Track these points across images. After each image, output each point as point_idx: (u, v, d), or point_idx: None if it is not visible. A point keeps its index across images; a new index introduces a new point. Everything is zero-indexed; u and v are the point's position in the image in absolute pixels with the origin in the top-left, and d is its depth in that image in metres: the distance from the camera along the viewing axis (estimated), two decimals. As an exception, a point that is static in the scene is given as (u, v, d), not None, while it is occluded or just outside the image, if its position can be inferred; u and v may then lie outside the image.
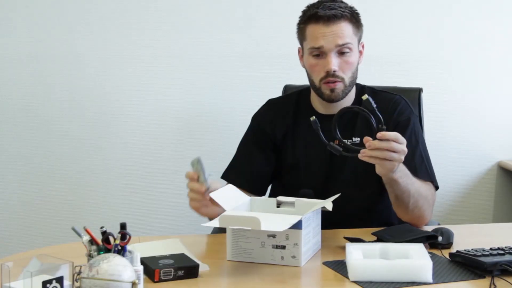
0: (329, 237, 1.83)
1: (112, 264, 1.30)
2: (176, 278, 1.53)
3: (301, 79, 2.29)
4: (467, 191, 3.06)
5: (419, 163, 1.99)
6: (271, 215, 1.73)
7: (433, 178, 2.01)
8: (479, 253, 1.59)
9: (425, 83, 2.55)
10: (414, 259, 1.54)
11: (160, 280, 1.52)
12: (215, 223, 1.62)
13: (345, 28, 1.95)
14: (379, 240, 1.75)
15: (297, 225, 1.61)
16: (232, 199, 1.78)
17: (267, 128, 2.11)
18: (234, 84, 2.90)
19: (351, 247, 1.61)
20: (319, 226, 1.77)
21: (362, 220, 2.01)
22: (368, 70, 2.85)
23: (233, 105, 2.89)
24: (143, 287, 1.44)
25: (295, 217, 1.61)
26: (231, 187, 1.85)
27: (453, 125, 3.01)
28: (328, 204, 1.73)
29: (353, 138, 2.03)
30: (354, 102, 2.07)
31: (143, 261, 1.50)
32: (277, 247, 1.64)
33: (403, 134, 1.99)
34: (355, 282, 1.51)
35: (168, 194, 2.94)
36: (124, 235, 1.43)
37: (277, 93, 2.45)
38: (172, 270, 1.53)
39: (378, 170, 1.77)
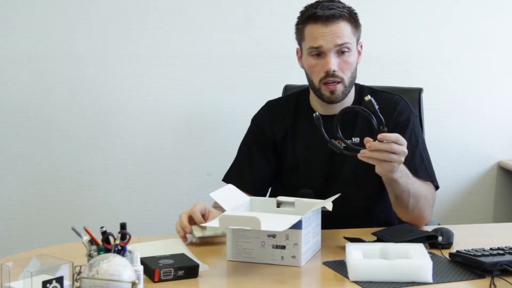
0: (329, 237, 1.83)
1: (112, 264, 1.30)
2: (176, 278, 1.53)
3: (301, 79, 2.29)
4: (467, 191, 3.06)
5: (419, 163, 1.99)
6: (271, 215, 1.73)
7: (433, 178, 2.01)
8: (479, 253, 1.59)
9: (425, 83, 2.55)
10: (414, 259, 1.54)
11: (160, 280, 1.52)
12: (215, 223, 1.62)
13: (344, 28, 1.95)
14: (379, 240, 1.75)
15: (297, 225, 1.61)
16: (232, 199, 1.78)
17: (267, 129, 2.11)
18: (234, 84, 2.90)
19: (351, 247, 1.61)
20: (319, 226, 1.77)
21: (362, 220, 2.01)
22: (368, 70, 2.85)
23: (233, 105, 2.90)
24: (143, 287, 1.44)
25: (295, 217, 1.61)
26: (231, 187, 1.85)
27: (453, 125, 3.01)
28: (328, 204, 1.73)
29: (353, 138, 2.03)
30: (354, 102, 2.07)
31: (143, 261, 1.50)
32: (277, 247, 1.64)
33: (403, 134, 1.98)
34: (355, 282, 1.51)
35: (168, 194, 2.94)
36: (124, 235, 1.43)
37: (277, 93, 2.45)
38: (172, 270, 1.53)
39: (378, 170, 1.77)
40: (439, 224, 2.07)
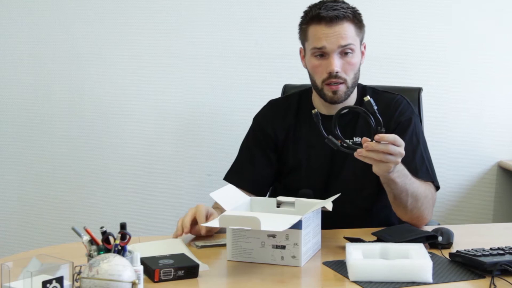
0: (329, 237, 1.83)
1: (112, 264, 1.30)
2: (176, 278, 1.53)
3: (301, 79, 2.29)
4: (467, 191, 3.06)
5: (419, 163, 1.99)
6: (271, 215, 1.73)
7: (434, 178, 2.01)
8: (479, 253, 1.59)
9: (425, 83, 2.55)
10: (414, 259, 1.54)
11: (160, 280, 1.52)
12: (215, 223, 1.61)
13: (347, 29, 1.95)
14: (379, 240, 1.75)
15: (297, 225, 1.61)
16: (232, 199, 1.78)
17: (269, 129, 2.11)
18: (234, 84, 2.90)
19: (351, 247, 1.61)
20: (319, 226, 1.77)
21: (362, 220, 2.01)
22: (368, 70, 2.84)
23: (233, 105, 2.90)
24: (143, 287, 1.44)
25: (295, 217, 1.61)
26: (231, 187, 1.85)
27: (453, 125, 3.02)
28: (328, 204, 1.74)
29: (354, 138, 2.03)
30: (356, 103, 2.07)
31: (143, 261, 1.50)
32: (277, 247, 1.64)
33: (404, 134, 1.99)
34: (355, 282, 1.51)
35: (168, 194, 2.94)
36: (124, 235, 1.43)
37: (277, 93, 2.45)
38: (172, 270, 1.53)
39: (375, 169, 1.77)
40: (439, 224, 2.07)
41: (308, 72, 2.04)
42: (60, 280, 1.33)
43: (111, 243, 1.42)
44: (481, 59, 3.00)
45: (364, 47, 2.05)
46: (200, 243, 1.79)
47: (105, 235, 1.43)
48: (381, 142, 1.68)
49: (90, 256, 1.43)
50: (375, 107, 1.70)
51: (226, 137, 2.89)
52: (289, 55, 2.65)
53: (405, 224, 1.90)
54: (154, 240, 1.82)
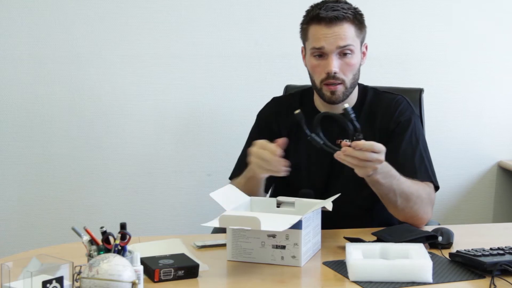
0: (329, 237, 1.83)
1: (112, 264, 1.30)
2: (176, 278, 1.53)
3: (301, 79, 2.29)
4: (467, 191, 3.06)
5: (418, 164, 1.99)
6: (271, 215, 1.73)
7: (433, 178, 2.01)
8: (479, 253, 1.59)
9: (426, 83, 2.55)
10: (414, 259, 1.54)
11: (160, 280, 1.52)
12: (215, 223, 1.61)
13: (347, 30, 1.95)
14: (379, 240, 1.75)
15: (297, 225, 1.61)
16: (232, 199, 1.78)
17: (273, 124, 2.11)
18: (234, 84, 2.90)
19: (351, 247, 1.61)
20: (319, 226, 1.77)
21: (362, 220, 2.01)
22: (369, 70, 2.84)
23: (233, 105, 2.90)
24: (143, 287, 1.44)
25: (295, 217, 1.61)
26: (231, 187, 1.85)
27: (453, 125, 3.02)
28: (328, 204, 1.74)
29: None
30: (357, 103, 2.07)
31: (143, 261, 1.50)
32: (277, 247, 1.64)
33: (403, 134, 2.00)
34: (355, 282, 1.51)
35: (168, 194, 2.94)
36: (124, 235, 1.43)
37: (278, 93, 2.44)
38: (172, 270, 1.53)
39: (356, 171, 1.77)
40: (439, 224, 2.07)
41: (308, 71, 2.05)
42: (60, 280, 1.33)
43: (111, 243, 1.42)
44: (481, 59, 3.00)
45: (366, 48, 2.05)
46: (200, 243, 1.79)
47: (105, 235, 1.43)
48: (358, 149, 1.69)
49: (90, 256, 1.43)
50: (353, 115, 1.71)
51: (226, 137, 2.89)
52: (289, 55, 2.65)
53: (405, 224, 1.89)
54: (154, 240, 1.82)
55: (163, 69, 2.88)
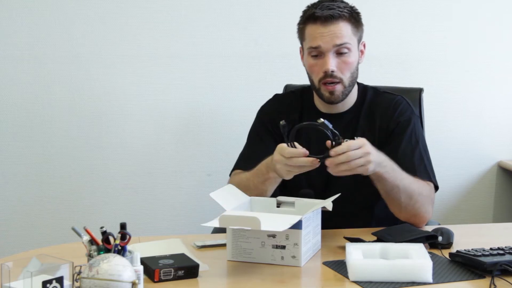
0: (329, 237, 1.83)
1: (112, 264, 1.30)
2: (176, 278, 1.53)
3: (301, 79, 2.29)
4: (467, 191, 3.06)
5: (418, 163, 1.99)
6: (271, 215, 1.73)
7: (433, 178, 2.01)
8: (479, 253, 1.59)
9: (426, 83, 2.55)
10: (414, 259, 1.54)
11: (160, 280, 1.52)
12: (215, 223, 1.61)
13: (343, 28, 1.95)
14: (379, 240, 1.75)
15: (297, 225, 1.61)
16: (232, 199, 1.78)
17: (276, 120, 2.10)
18: (234, 84, 2.90)
19: (351, 247, 1.61)
20: (319, 226, 1.77)
21: (362, 220, 2.01)
22: (369, 70, 2.85)
23: (233, 105, 2.90)
24: (143, 287, 1.44)
25: (295, 217, 1.61)
26: (231, 187, 1.85)
27: (453, 125, 3.02)
28: (328, 204, 1.74)
29: (355, 138, 2.03)
30: (357, 102, 2.07)
31: (143, 261, 1.50)
32: (277, 247, 1.64)
33: (403, 134, 2.00)
34: (355, 282, 1.51)
35: (168, 194, 2.94)
36: (124, 235, 1.43)
37: (277, 92, 2.44)
38: (172, 270, 1.53)
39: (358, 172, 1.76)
40: (439, 224, 2.07)
41: (306, 71, 2.05)
42: (60, 280, 1.33)
43: (111, 243, 1.43)
44: (481, 59, 3.00)
45: (364, 46, 2.05)
46: (200, 243, 1.79)
47: (105, 235, 1.43)
48: (340, 154, 1.69)
49: (90, 256, 1.43)
50: (330, 126, 1.71)
51: (226, 137, 2.89)
52: (289, 55, 2.65)
53: (405, 224, 1.89)
54: (154, 240, 1.82)
55: (163, 69, 2.88)
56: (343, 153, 1.69)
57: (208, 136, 2.92)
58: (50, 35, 2.83)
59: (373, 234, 1.79)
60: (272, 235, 1.64)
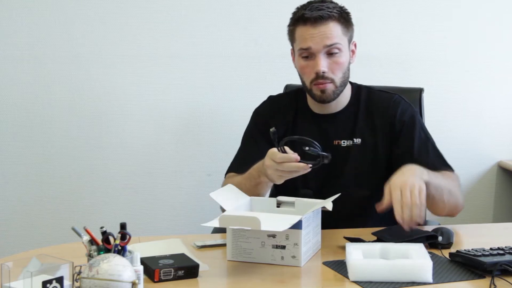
0: (329, 237, 1.83)
1: (112, 264, 1.30)
2: (176, 278, 1.53)
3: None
4: (467, 191, 3.06)
5: (435, 158, 2.01)
6: (271, 215, 1.73)
7: (450, 166, 2.03)
8: (479, 253, 1.59)
9: (426, 83, 2.54)
10: (414, 259, 1.54)
11: (160, 280, 1.52)
12: (215, 223, 1.61)
13: (333, 29, 1.95)
14: (379, 240, 1.75)
15: (297, 225, 1.61)
16: (232, 199, 1.78)
17: (271, 122, 2.10)
18: (234, 84, 2.90)
19: (351, 247, 1.61)
20: (319, 226, 1.77)
21: (362, 220, 2.01)
22: (369, 70, 2.86)
23: (233, 105, 2.90)
24: (143, 287, 1.44)
25: (295, 217, 1.61)
26: (231, 187, 1.85)
27: (453, 125, 3.02)
28: (328, 204, 1.73)
29: (354, 140, 2.03)
30: (351, 102, 2.07)
31: (143, 261, 1.50)
32: (277, 247, 1.64)
33: (412, 133, 2.01)
34: (355, 282, 1.51)
35: (168, 194, 2.94)
36: (124, 235, 1.43)
37: (277, 93, 2.44)
38: (172, 270, 1.53)
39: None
40: (439, 224, 2.07)
41: (298, 73, 2.05)
42: (60, 280, 1.33)
43: (111, 243, 1.43)
44: (481, 59, 3.00)
45: (355, 46, 2.05)
46: (200, 243, 1.79)
47: (105, 235, 1.43)
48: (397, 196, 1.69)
49: (90, 256, 1.43)
50: (319, 150, 1.72)
51: (226, 137, 2.89)
52: (289, 55, 2.63)
53: None
54: (154, 240, 1.82)
55: (163, 69, 2.88)
56: (400, 196, 1.69)
57: (208, 136, 2.92)
58: (50, 35, 2.83)
59: (373, 234, 1.80)
60: (272, 235, 1.64)
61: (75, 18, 2.83)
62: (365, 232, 1.85)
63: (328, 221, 1.82)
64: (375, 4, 2.92)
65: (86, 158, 2.90)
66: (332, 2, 2.00)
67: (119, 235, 1.43)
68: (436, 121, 2.93)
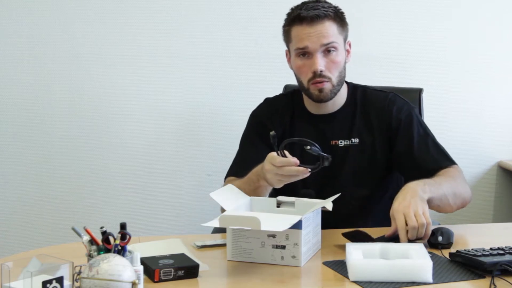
0: (329, 237, 1.83)
1: (112, 264, 1.30)
2: (176, 278, 1.53)
3: (301, 79, 2.29)
4: (467, 191, 3.06)
5: (436, 153, 2.00)
6: (271, 215, 1.73)
7: (452, 159, 2.02)
8: (479, 253, 1.59)
9: (426, 83, 2.55)
10: (414, 259, 1.54)
11: (160, 280, 1.52)
12: (215, 223, 1.61)
13: (329, 28, 1.95)
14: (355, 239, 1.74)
15: (297, 225, 1.61)
16: (232, 199, 1.78)
17: (268, 124, 2.10)
18: (234, 84, 2.90)
19: (351, 247, 1.61)
20: (319, 226, 1.77)
21: (362, 220, 2.01)
22: (369, 70, 2.86)
23: (233, 105, 2.90)
24: (143, 287, 1.44)
25: (295, 217, 1.61)
26: (231, 187, 1.85)
27: (453, 125, 3.01)
28: (328, 204, 1.73)
29: (352, 139, 2.03)
30: (347, 102, 2.07)
31: (143, 261, 1.50)
32: (277, 247, 1.64)
33: (410, 130, 2.00)
34: (355, 282, 1.51)
35: (168, 194, 2.94)
36: (124, 235, 1.43)
37: (277, 93, 2.44)
38: (172, 270, 1.53)
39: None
40: (439, 224, 2.07)
41: (294, 73, 2.05)
42: (60, 280, 1.33)
43: (111, 243, 1.43)
44: (481, 59, 3.00)
45: (349, 45, 2.05)
46: (200, 243, 1.79)
47: (105, 235, 1.43)
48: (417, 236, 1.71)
49: (90, 256, 1.43)
50: (319, 151, 1.72)
51: (226, 137, 2.89)
52: (289, 55, 2.64)
53: None
54: (154, 240, 1.82)
55: (163, 69, 2.88)
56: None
57: (208, 136, 2.92)
58: (50, 35, 2.83)
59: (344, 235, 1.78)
60: (272, 235, 1.64)
61: (75, 18, 2.83)
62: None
63: (328, 221, 1.82)
64: (375, 4, 2.92)
65: (86, 158, 2.90)
66: (326, 2, 2.01)
67: (119, 235, 1.43)
68: (436, 121, 2.92)
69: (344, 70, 2.01)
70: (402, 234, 1.70)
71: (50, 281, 1.32)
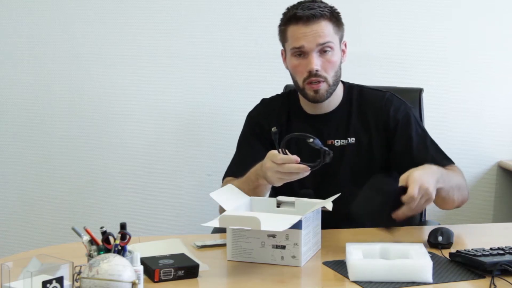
0: (329, 237, 1.83)
1: (112, 264, 1.30)
2: (176, 278, 1.53)
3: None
4: (467, 191, 3.06)
5: (435, 153, 2.01)
6: (271, 215, 1.73)
7: (450, 159, 2.03)
8: (479, 253, 1.59)
9: (426, 83, 2.55)
10: (414, 259, 1.54)
11: (160, 280, 1.52)
12: (215, 223, 1.61)
13: (325, 27, 1.95)
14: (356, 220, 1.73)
15: (297, 225, 1.61)
16: (232, 199, 1.78)
17: (265, 124, 2.10)
18: (234, 84, 2.90)
19: (351, 247, 1.61)
20: (319, 226, 1.77)
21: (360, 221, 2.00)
22: (369, 70, 2.86)
23: (233, 105, 2.89)
24: (143, 287, 1.44)
25: (295, 217, 1.61)
26: (231, 187, 1.85)
27: (453, 125, 3.01)
28: (328, 204, 1.74)
29: (348, 139, 2.03)
30: (343, 101, 2.07)
31: (143, 261, 1.51)
32: (277, 247, 1.64)
33: (408, 130, 2.00)
34: (355, 282, 1.51)
35: (168, 194, 2.94)
36: (124, 235, 1.43)
37: (278, 93, 2.44)
38: (172, 270, 1.53)
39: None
40: (439, 224, 2.07)
41: (290, 73, 2.05)
42: (60, 280, 1.34)
43: (111, 243, 1.43)
44: (481, 59, 3.00)
45: (345, 45, 2.05)
46: (200, 243, 1.79)
47: (105, 235, 1.43)
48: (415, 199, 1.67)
49: (90, 256, 1.43)
50: (320, 145, 1.72)
51: (226, 137, 2.89)
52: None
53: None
54: (154, 240, 1.82)
55: (163, 69, 2.88)
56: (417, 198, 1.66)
57: (208, 136, 2.92)
58: (50, 35, 2.83)
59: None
60: (272, 235, 1.64)
61: (75, 18, 2.83)
62: (365, 232, 1.85)
63: (328, 221, 1.82)
64: (375, 4, 2.91)
65: (86, 158, 2.90)
66: (322, 2, 2.01)
67: (119, 235, 1.43)
68: (436, 121, 2.93)
69: (339, 70, 2.01)
70: (411, 205, 1.66)
71: (50, 281, 1.32)
